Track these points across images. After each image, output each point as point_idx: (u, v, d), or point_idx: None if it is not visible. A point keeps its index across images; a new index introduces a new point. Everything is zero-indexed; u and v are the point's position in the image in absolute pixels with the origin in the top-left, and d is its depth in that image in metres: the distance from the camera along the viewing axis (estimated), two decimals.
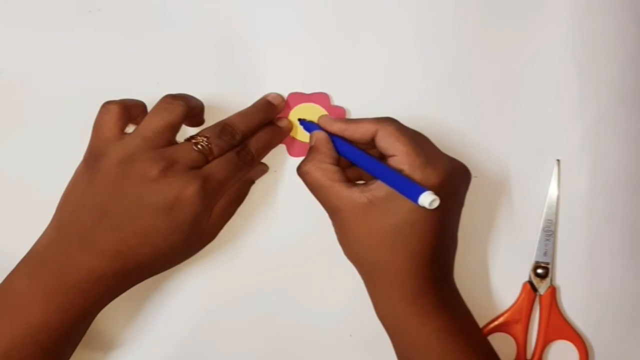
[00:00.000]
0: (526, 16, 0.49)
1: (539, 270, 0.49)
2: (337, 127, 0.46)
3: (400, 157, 0.42)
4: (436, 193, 0.39)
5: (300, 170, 0.45)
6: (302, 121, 0.49)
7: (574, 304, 0.49)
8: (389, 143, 0.43)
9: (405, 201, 0.40)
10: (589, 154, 0.49)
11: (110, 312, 0.44)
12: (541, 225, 0.49)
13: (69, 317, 0.41)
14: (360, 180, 0.47)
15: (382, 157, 0.44)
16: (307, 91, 0.49)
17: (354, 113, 0.49)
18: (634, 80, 0.49)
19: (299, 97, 0.49)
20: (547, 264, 0.49)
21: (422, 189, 0.39)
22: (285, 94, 0.49)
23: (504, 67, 0.49)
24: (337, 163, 0.45)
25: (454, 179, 0.43)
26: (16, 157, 0.50)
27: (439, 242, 0.43)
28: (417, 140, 0.43)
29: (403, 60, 0.49)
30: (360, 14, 0.49)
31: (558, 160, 0.49)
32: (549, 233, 0.49)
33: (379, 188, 0.42)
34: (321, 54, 0.49)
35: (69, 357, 0.44)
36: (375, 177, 0.43)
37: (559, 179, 0.49)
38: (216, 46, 0.49)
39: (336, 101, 0.49)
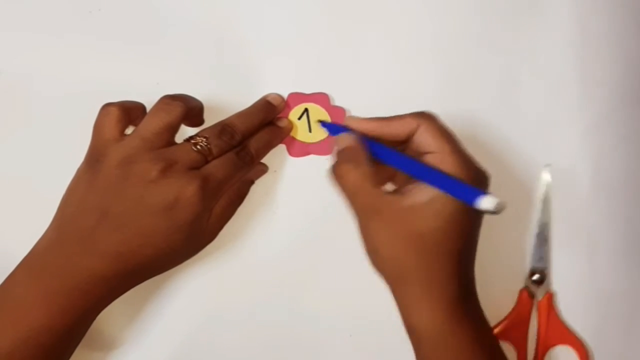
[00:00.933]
0: (526, 16, 0.49)
1: (535, 276, 0.49)
2: (371, 127, 0.43)
3: (442, 156, 0.40)
4: None
5: (335, 174, 0.42)
6: (323, 123, 0.48)
7: (573, 308, 0.49)
8: (431, 139, 0.41)
9: (450, 203, 0.39)
10: (589, 154, 0.49)
11: (111, 312, 0.44)
12: (535, 231, 0.49)
13: (69, 319, 0.41)
14: (390, 182, 0.45)
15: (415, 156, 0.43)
16: (307, 91, 0.49)
17: (354, 113, 0.49)
18: (634, 81, 0.49)
19: (299, 97, 0.49)
20: (543, 269, 0.49)
21: (480, 191, 0.38)
22: (285, 94, 0.49)
23: (504, 67, 0.49)
24: (373, 166, 0.42)
25: (483, 182, 0.42)
26: (16, 158, 0.50)
27: (474, 243, 0.42)
28: (457, 140, 0.42)
29: (403, 61, 0.49)
30: (360, 14, 0.49)
31: (548, 165, 0.49)
32: (543, 239, 0.49)
33: (421, 192, 0.40)
34: (321, 54, 0.49)
35: (69, 358, 0.44)
36: (422, 180, 0.40)
37: (549, 183, 0.49)
38: (216, 46, 0.49)
39: (336, 101, 0.49)
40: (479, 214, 0.39)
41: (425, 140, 0.41)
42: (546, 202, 0.49)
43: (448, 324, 0.41)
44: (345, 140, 0.43)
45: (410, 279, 0.41)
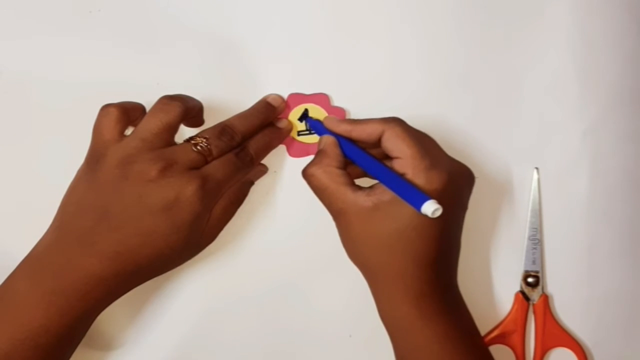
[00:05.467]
0: (526, 17, 0.49)
1: (530, 279, 0.49)
2: (343, 129, 0.46)
3: (405, 160, 0.42)
4: (439, 196, 0.39)
5: (305, 173, 0.45)
6: (309, 119, 0.49)
7: (569, 310, 0.49)
8: (394, 145, 0.43)
9: (410, 206, 0.40)
10: (589, 154, 0.49)
11: (110, 312, 0.44)
12: (527, 234, 0.49)
13: (68, 320, 0.41)
14: (364, 177, 0.47)
15: (387, 158, 0.44)
16: (307, 92, 0.49)
17: (354, 114, 0.49)
18: (633, 81, 0.49)
19: (299, 98, 0.49)
20: (537, 272, 0.49)
21: (425, 197, 0.39)
22: (285, 95, 0.49)
23: (504, 68, 0.49)
24: (344, 167, 0.45)
25: (457, 182, 0.43)
26: (16, 158, 0.50)
27: (442, 245, 0.43)
28: (423, 142, 0.43)
29: (403, 61, 0.49)
30: (359, 15, 0.49)
31: (537, 168, 0.49)
32: (535, 242, 0.49)
33: (385, 192, 0.42)
34: (321, 55, 0.49)
35: (69, 358, 0.44)
36: (379, 181, 0.43)
37: (539, 186, 0.49)
38: (216, 47, 0.49)
39: (336, 102, 0.49)
40: (437, 220, 0.40)
41: (390, 145, 0.43)
42: (536, 204, 0.49)
43: (414, 320, 0.43)
44: (323, 141, 0.46)
45: (377, 274, 0.44)
